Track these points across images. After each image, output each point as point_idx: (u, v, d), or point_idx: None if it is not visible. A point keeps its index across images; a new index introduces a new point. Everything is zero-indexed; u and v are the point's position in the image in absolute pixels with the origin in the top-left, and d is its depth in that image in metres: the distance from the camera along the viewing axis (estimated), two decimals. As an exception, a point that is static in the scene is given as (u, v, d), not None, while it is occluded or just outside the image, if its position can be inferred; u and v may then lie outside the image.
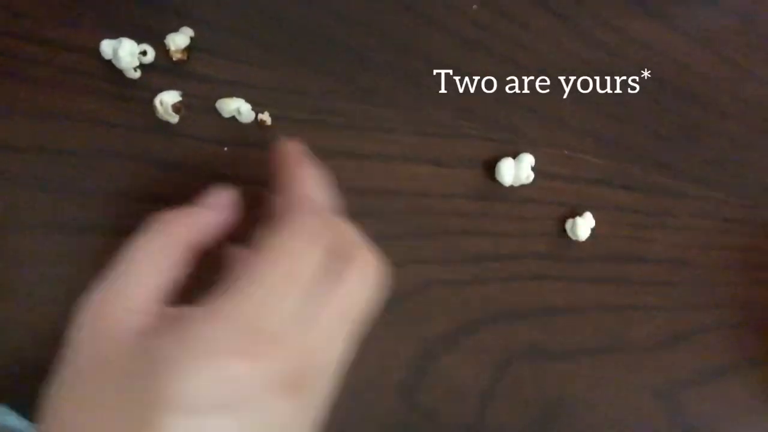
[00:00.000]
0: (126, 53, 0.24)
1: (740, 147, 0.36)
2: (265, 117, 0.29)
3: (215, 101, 0.29)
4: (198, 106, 0.28)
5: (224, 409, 0.16)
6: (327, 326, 0.19)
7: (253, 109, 0.28)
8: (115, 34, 0.27)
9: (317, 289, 0.19)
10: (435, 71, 0.31)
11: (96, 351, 0.17)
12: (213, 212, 0.21)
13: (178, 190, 0.29)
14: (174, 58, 0.28)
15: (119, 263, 0.19)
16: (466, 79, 0.32)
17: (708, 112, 0.36)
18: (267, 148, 0.30)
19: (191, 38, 0.27)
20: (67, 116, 0.27)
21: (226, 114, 0.28)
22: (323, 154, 0.31)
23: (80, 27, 0.27)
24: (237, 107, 0.28)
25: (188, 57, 0.28)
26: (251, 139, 0.29)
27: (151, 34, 0.28)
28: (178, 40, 0.27)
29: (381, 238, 0.32)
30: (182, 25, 0.28)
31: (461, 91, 0.32)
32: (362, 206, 0.32)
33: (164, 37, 0.28)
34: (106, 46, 0.25)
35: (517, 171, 0.32)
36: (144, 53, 0.26)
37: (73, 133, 0.28)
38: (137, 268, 0.19)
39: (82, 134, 0.28)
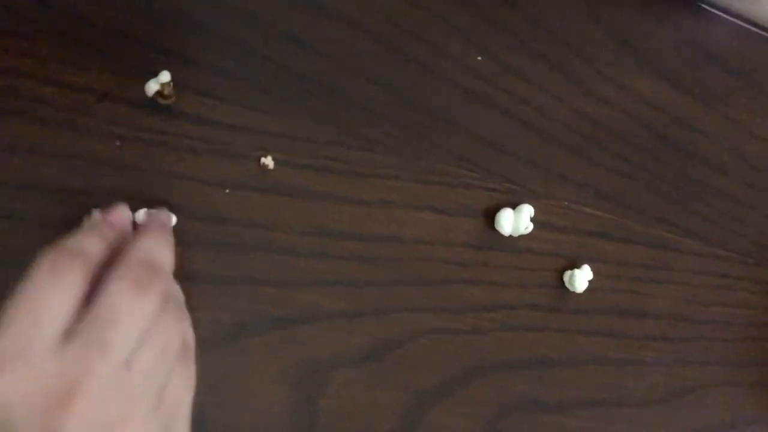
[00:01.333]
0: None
1: (741, 205, 0.38)
2: (268, 161, 0.30)
3: (220, 145, 0.30)
4: (202, 149, 0.29)
5: None
6: (82, 343, 0.23)
7: (254, 153, 0.29)
8: (123, 76, 0.28)
9: (68, 316, 0.23)
10: (437, 122, 0.32)
11: None
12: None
13: (176, 234, 0.29)
14: (161, 102, 0.29)
15: None
16: (470, 131, 0.33)
17: (710, 170, 0.37)
18: (268, 191, 0.31)
19: (176, 80, 0.28)
20: (68, 155, 0.28)
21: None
22: (325, 199, 0.32)
23: (88, 70, 0.28)
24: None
25: (173, 100, 0.29)
26: (253, 183, 0.30)
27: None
28: (156, 84, 0.28)
29: (379, 284, 0.33)
30: (189, 69, 0.29)
31: (463, 141, 0.33)
32: (362, 252, 0.33)
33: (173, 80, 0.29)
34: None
35: (516, 221, 0.33)
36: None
37: (74, 172, 0.28)
38: None
39: (87, 174, 0.29)
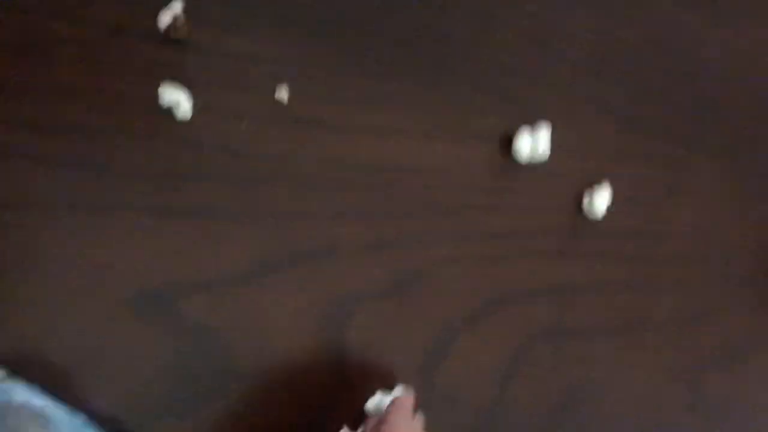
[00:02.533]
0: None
1: (756, 120, 0.38)
2: (283, 93, 0.31)
3: (232, 77, 0.30)
4: (217, 82, 0.29)
5: None
6: None
7: (269, 84, 0.29)
8: (135, 10, 0.28)
9: None
10: (453, 49, 0.33)
11: None
12: None
13: (196, 168, 0.30)
14: (174, 36, 0.29)
15: None
16: (486, 55, 0.33)
17: (724, 86, 0.38)
18: (285, 123, 0.31)
19: (189, 12, 0.29)
20: (86, 93, 0.28)
21: (165, 102, 0.31)
22: (341, 131, 0.32)
23: (99, 4, 0.28)
24: (178, 100, 0.29)
25: (186, 33, 0.29)
26: (269, 116, 0.31)
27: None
28: (168, 15, 0.28)
29: (399, 215, 0.34)
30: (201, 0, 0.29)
31: (478, 66, 0.33)
32: (381, 182, 0.33)
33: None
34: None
35: (533, 145, 0.33)
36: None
37: (92, 110, 0.29)
38: None
39: (101, 112, 0.29)
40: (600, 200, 0.36)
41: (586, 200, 0.36)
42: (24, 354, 0.30)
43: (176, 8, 0.29)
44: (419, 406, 0.35)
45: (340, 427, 0.33)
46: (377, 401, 0.34)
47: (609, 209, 0.36)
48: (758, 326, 0.40)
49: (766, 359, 0.41)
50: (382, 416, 0.29)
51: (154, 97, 0.30)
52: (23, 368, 0.30)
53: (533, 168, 0.35)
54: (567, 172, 0.36)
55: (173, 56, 0.30)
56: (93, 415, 0.31)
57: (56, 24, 0.29)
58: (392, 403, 0.29)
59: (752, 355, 0.40)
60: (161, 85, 0.30)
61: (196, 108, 0.30)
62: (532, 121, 0.35)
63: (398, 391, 0.34)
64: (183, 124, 0.30)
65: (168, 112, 0.30)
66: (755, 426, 0.41)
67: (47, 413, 0.28)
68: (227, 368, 0.32)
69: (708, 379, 0.40)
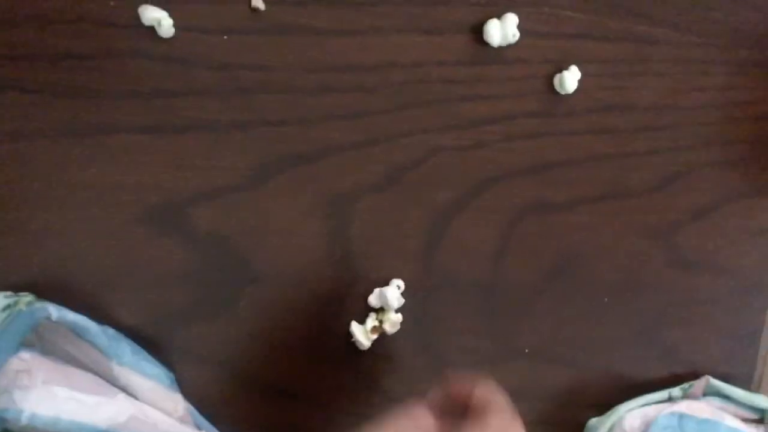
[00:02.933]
0: None
1: (709, -13, 0.40)
2: (259, 3, 0.32)
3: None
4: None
5: None
6: None
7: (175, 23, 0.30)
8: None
9: None
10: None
11: None
12: None
13: (185, 84, 0.31)
14: None
15: None
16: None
17: (676, -43, 0.39)
18: (264, 32, 0.32)
19: None
20: (69, 21, 0.29)
21: (146, 21, 0.31)
22: (319, 34, 0.34)
23: None
24: (159, 18, 0.30)
25: None
26: (248, 26, 0.32)
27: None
28: None
29: (384, 111, 0.36)
30: None
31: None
32: (363, 82, 0.35)
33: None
34: None
35: (503, 30, 0.35)
36: None
37: (76, 37, 0.30)
38: None
39: (85, 38, 0.30)
40: (570, 80, 0.38)
41: (557, 81, 0.39)
42: (44, 281, 0.32)
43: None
44: (422, 288, 0.38)
45: (349, 322, 0.36)
46: (377, 295, 0.37)
47: (579, 87, 0.39)
48: (722, 182, 0.44)
49: (730, 211, 0.44)
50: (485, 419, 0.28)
51: (136, 17, 0.31)
52: (44, 295, 0.32)
53: (505, 55, 0.37)
54: (537, 55, 0.38)
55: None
56: (119, 329, 0.33)
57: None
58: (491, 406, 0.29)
59: (719, 209, 0.44)
60: (140, 5, 0.31)
61: (178, 25, 0.31)
62: (498, 8, 0.37)
63: (396, 284, 0.37)
64: (166, 41, 0.32)
65: (151, 32, 0.31)
66: (726, 273, 0.45)
67: (82, 325, 0.30)
68: (241, 272, 0.35)
69: (681, 236, 0.43)
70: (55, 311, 0.30)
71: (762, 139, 0.45)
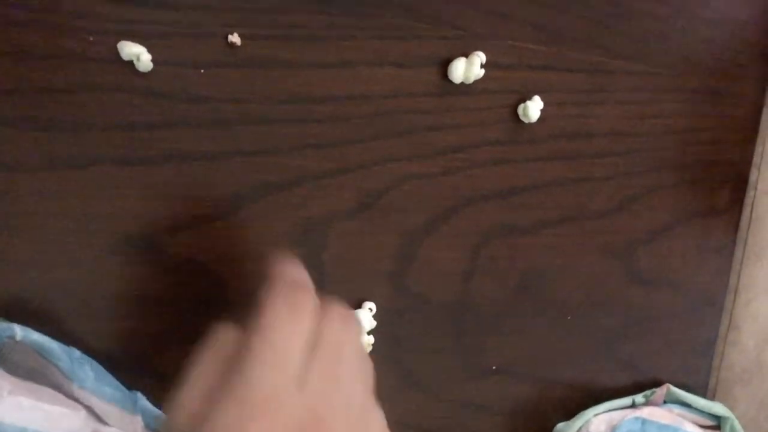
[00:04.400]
0: None
1: (661, 22, 0.43)
2: (235, 38, 0.33)
3: (186, 28, 0.32)
4: (171, 32, 0.32)
5: None
6: (319, 377, 0.24)
7: (220, 31, 0.32)
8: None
9: (304, 353, 0.24)
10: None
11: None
12: None
13: (163, 117, 0.32)
14: None
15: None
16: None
17: (631, -7, 0.42)
18: (240, 66, 0.34)
19: None
20: (48, 56, 0.30)
21: (124, 56, 0.33)
22: (293, 67, 0.35)
23: None
24: (137, 53, 0.31)
25: None
26: (224, 60, 0.33)
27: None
28: None
29: (357, 141, 0.37)
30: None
31: (410, -6, 0.36)
32: (333, 113, 0.37)
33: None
34: None
35: (467, 69, 0.37)
36: None
37: (55, 71, 0.31)
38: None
39: (64, 72, 0.31)
40: (533, 109, 0.41)
41: (520, 110, 0.41)
42: (19, 308, 0.33)
43: (124, -34, 0.31)
44: (394, 309, 0.40)
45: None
46: None
47: (541, 116, 0.41)
48: (676, 203, 0.47)
49: (684, 231, 0.47)
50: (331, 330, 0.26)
51: (114, 52, 0.32)
52: (18, 322, 0.32)
53: (471, 86, 0.39)
54: (501, 86, 0.40)
55: (127, 12, 0.32)
56: (93, 355, 0.34)
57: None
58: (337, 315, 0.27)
59: (674, 229, 0.47)
60: (119, 41, 0.32)
61: (156, 60, 0.32)
62: (464, 41, 0.39)
63: (368, 306, 0.38)
64: (144, 75, 0.33)
65: (130, 66, 0.32)
66: (682, 289, 0.48)
67: (46, 347, 0.31)
68: (216, 298, 0.36)
69: (639, 254, 0.46)
70: (20, 331, 0.31)
71: (713, 163, 0.48)
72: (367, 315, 0.38)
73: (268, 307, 0.25)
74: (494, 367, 0.44)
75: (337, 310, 0.27)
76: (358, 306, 0.39)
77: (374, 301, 0.39)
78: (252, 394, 0.22)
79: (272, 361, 0.23)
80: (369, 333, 0.39)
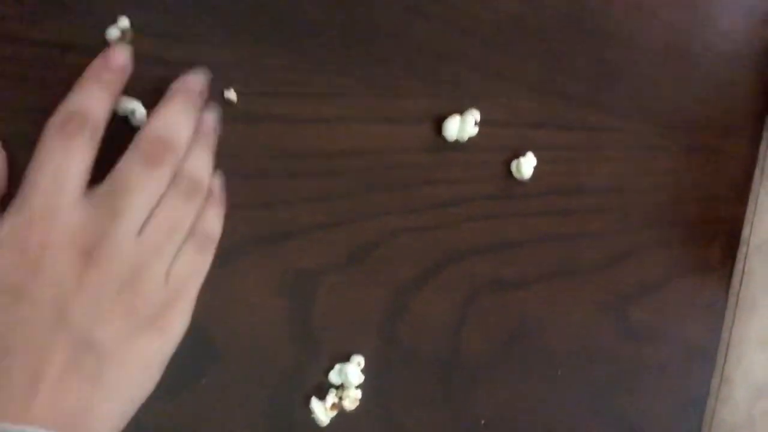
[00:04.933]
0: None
1: (655, 82, 0.44)
2: (231, 94, 0.34)
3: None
4: (158, 88, 0.32)
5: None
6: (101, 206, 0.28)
7: (217, 87, 0.33)
8: (82, 27, 0.31)
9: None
10: (382, 38, 0.36)
11: None
12: None
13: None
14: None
15: None
16: (412, 42, 0.37)
17: (624, 53, 0.43)
18: (236, 122, 0.34)
19: (133, 24, 0.32)
20: (47, 110, 0.31)
21: (120, 111, 0.33)
22: (289, 122, 0.36)
23: (46, 24, 0.31)
24: (133, 108, 0.31)
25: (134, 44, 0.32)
26: (221, 116, 0.33)
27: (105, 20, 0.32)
28: (116, 30, 0.32)
29: (350, 195, 0.38)
30: (142, 12, 0.32)
31: (406, 53, 0.37)
32: (328, 167, 0.37)
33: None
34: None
35: (462, 127, 0.38)
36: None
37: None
38: None
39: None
40: (526, 165, 0.41)
41: (514, 166, 0.41)
42: None
43: (123, 23, 0.31)
44: (383, 363, 0.39)
45: (310, 397, 0.38)
46: (338, 371, 0.38)
47: (535, 173, 0.41)
48: (668, 261, 0.47)
49: (677, 288, 0.47)
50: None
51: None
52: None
53: (465, 143, 0.39)
54: (495, 143, 0.41)
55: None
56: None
57: (8, 48, 0.31)
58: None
59: (665, 285, 0.47)
60: (116, 95, 0.32)
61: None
62: (459, 100, 0.39)
63: (357, 360, 0.38)
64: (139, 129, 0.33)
65: (125, 121, 0.33)
66: (673, 344, 0.48)
67: None
68: (204, 350, 0.36)
69: (631, 310, 0.46)
70: None
71: (704, 220, 0.48)
72: (355, 369, 0.38)
73: (43, 137, 0.28)
74: (483, 422, 0.44)
75: (148, 140, 0.29)
76: (347, 359, 0.39)
77: (363, 354, 0.39)
78: (31, 210, 0.26)
79: (47, 181, 0.26)
80: (357, 387, 0.39)
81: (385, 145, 0.39)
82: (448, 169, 0.40)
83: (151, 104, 0.33)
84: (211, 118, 0.33)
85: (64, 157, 0.27)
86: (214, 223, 0.33)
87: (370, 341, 0.40)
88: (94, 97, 0.29)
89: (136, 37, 0.32)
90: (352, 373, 0.38)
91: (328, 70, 0.37)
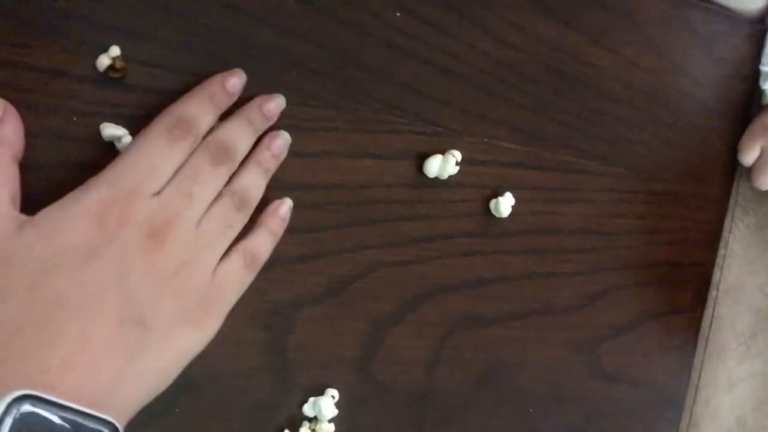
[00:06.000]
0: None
1: (632, 128, 0.46)
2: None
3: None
4: (145, 116, 0.33)
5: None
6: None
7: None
8: (73, 54, 0.32)
9: None
10: (367, 75, 0.38)
11: None
12: (16, 124, 0.31)
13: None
14: (113, 76, 0.32)
15: None
16: (396, 80, 0.38)
17: (604, 98, 0.45)
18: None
19: (124, 53, 0.34)
20: (31, 134, 0.31)
21: (106, 137, 0.34)
22: (274, 155, 0.37)
23: (38, 49, 0.32)
24: (119, 135, 0.33)
25: (124, 73, 0.33)
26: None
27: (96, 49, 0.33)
28: (107, 58, 0.33)
29: (331, 227, 0.39)
30: (134, 42, 0.33)
31: (391, 90, 0.38)
32: (311, 200, 0.38)
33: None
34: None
35: (443, 166, 0.39)
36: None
37: (35, 149, 0.32)
38: None
39: (44, 151, 0.32)
40: (505, 205, 0.43)
41: (492, 205, 0.43)
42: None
43: (114, 51, 0.32)
44: (357, 397, 0.40)
45: (282, 430, 0.38)
46: (311, 404, 0.39)
47: (513, 212, 0.43)
48: (641, 301, 0.49)
49: (647, 329, 0.49)
50: None
51: (96, 133, 0.33)
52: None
53: (445, 181, 0.41)
54: (474, 182, 0.42)
55: (112, 96, 0.33)
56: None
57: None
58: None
59: (638, 326, 0.49)
60: (102, 122, 0.33)
61: (136, 142, 0.34)
62: (441, 137, 0.41)
63: (330, 393, 0.39)
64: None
65: (110, 147, 0.33)
66: (643, 386, 0.50)
67: None
68: (177, 380, 0.36)
69: (602, 350, 0.48)
70: None
71: (678, 263, 0.50)
72: (329, 402, 0.39)
73: (151, 130, 0.33)
74: (454, 458, 0.45)
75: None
76: (321, 393, 0.40)
77: (337, 388, 0.40)
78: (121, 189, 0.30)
79: (141, 169, 0.31)
80: (330, 421, 0.39)
81: (367, 180, 0.40)
82: (428, 206, 0.42)
83: (137, 132, 0.34)
84: (278, 145, 0.36)
85: (165, 155, 0.31)
86: (263, 246, 0.36)
87: (345, 375, 0.41)
88: (203, 111, 0.33)
89: (126, 65, 0.33)
90: (325, 406, 0.39)
91: (315, 105, 0.38)
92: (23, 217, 0.30)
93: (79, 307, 0.27)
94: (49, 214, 0.29)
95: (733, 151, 0.52)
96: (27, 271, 0.27)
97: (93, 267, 0.28)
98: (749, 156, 0.50)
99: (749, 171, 0.52)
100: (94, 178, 0.31)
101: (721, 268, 0.54)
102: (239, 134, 0.34)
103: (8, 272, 0.27)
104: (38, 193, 0.33)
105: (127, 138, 0.34)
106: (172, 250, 0.30)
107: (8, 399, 0.22)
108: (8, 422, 0.21)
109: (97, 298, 0.28)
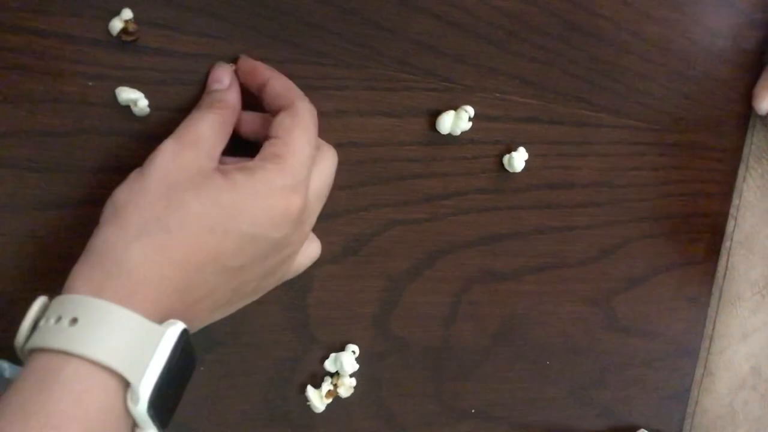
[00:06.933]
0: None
1: (644, 79, 0.47)
2: (230, 85, 0.35)
3: (184, 75, 0.34)
4: (171, 79, 0.34)
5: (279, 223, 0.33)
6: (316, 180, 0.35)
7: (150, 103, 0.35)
8: (86, 18, 0.32)
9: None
10: (378, 32, 0.38)
11: (178, 176, 0.31)
12: (235, 93, 0.35)
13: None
14: (126, 39, 0.33)
15: (186, 128, 0.33)
16: (407, 36, 0.39)
17: (615, 50, 0.45)
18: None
19: (136, 16, 0.34)
20: (44, 100, 0.32)
21: (122, 102, 0.35)
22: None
23: (50, 15, 0.33)
24: (135, 99, 0.33)
25: (137, 36, 0.33)
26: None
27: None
28: (119, 21, 0.34)
29: (346, 187, 0.40)
30: (146, 4, 0.33)
31: (402, 47, 0.39)
32: (326, 159, 0.38)
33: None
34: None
35: (455, 122, 0.39)
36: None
37: (54, 115, 0.32)
38: (204, 134, 0.33)
39: (62, 116, 0.33)
40: (518, 159, 0.43)
41: (506, 160, 0.43)
42: (5, 344, 0.34)
43: (126, 15, 0.33)
44: (376, 353, 0.42)
45: (305, 385, 0.40)
46: (333, 360, 0.40)
47: (526, 167, 0.44)
48: (655, 253, 0.49)
49: (661, 281, 0.50)
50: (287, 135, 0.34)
51: (112, 97, 0.34)
52: (4, 357, 0.34)
53: (458, 137, 0.42)
54: (487, 137, 0.43)
55: (126, 59, 0.34)
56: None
57: (6, 35, 0.32)
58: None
59: (652, 278, 0.50)
60: (117, 86, 0.34)
61: (152, 105, 0.34)
62: (452, 93, 0.41)
63: (351, 349, 0.40)
64: (141, 120, 0.35)
65: (127, 111, 0.34)
66: (658, 337, 0.51)
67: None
68: (201, 339, 0.37)
69: (617, 303, 0.49)
70: (8, 368, 0.33)
71: (690, 215, 0.51)
72: (350, 358, 0.40)
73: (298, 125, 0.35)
74: (473, 411, 0.46)
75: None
76: (342, 349, 0.41)
77: (357, 344, 0.41)
78: (297, 179, 0.33)
79: (306, 162, 0.34)
80: (351, 375, 0.41)
81: (382, 138, 0.40)
82: (441, 163, 0.42)
83: (152, 94, 0.35)
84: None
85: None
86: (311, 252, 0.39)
87: (364, 331, 0.42)
88: (214, 131, 0.34)
89: (139, 28, 0.34)
90: (347, 361, 0.40)
91: (326, 64, 0.38)
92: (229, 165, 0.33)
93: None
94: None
95: (747, 100, 0.52)
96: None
97: (288, 249, 0.34)
98: (764, 103, 0.51)
99: (763, 119, 0.53)
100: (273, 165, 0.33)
101: (735, 218, 0.55)
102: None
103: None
104: (57, 158, 0.34)
105: (143, 101, 0.34)
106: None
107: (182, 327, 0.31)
108: (179, 345, 0.30)
109: (276, 263, 0.34)
